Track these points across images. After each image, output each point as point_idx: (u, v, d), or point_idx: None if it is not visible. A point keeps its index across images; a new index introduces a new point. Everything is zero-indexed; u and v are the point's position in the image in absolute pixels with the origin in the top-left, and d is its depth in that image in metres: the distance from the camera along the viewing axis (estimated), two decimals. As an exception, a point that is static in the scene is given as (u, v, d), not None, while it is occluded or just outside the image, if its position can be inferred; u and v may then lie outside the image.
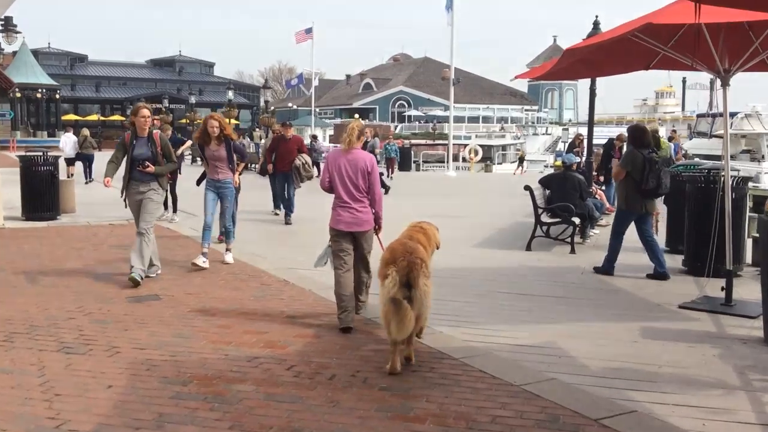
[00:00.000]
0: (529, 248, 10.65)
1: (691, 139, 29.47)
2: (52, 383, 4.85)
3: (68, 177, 21.82)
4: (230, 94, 35.28)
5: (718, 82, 7.36)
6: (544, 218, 10.82)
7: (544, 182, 11.47)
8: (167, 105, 48.73)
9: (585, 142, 21.06)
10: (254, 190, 16.92)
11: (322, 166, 11.79)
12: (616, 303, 7.54)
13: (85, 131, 25.08)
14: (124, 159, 8.28)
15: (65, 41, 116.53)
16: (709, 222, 7.86)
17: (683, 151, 25.04)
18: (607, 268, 8.74)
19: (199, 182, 11.01)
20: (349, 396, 4.67)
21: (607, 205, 13.67)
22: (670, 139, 33.72)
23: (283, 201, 14.30)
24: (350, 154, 6.28)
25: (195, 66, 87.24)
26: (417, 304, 5.04)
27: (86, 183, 22.54)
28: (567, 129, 45.45)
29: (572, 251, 10.46)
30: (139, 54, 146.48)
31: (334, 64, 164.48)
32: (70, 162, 23.62)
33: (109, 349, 5.63)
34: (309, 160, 14.21)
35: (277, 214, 14.45)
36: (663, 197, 9.37)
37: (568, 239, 10.66)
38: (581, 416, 4.37)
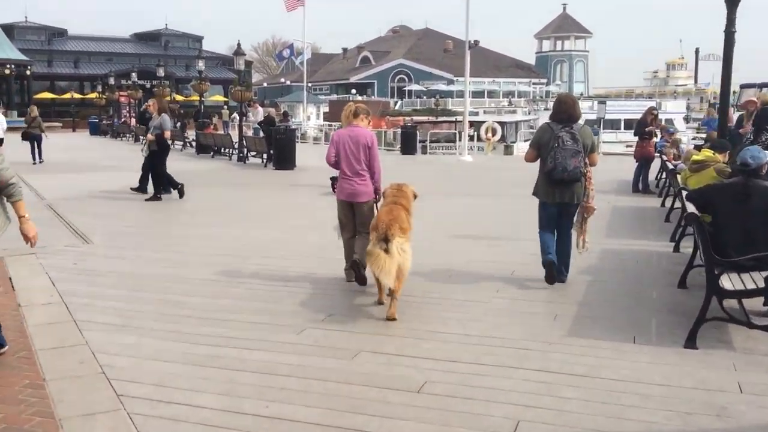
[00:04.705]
0: (692, 343, 5.17)
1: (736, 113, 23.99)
2: None
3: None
4: (200, 64, 29.39)
5: None
6: (728, 280, 5.25)
7: (700, 198, 5.99)
8: (135, 80, 42.90)
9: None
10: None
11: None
12: None
13: (34, 110, 23.20)
14: None
15: (44, 15, 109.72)
16: None
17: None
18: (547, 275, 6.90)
19: None
20: None
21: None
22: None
23: None
24: (352, 131, 6.88)
25: (182, 40, 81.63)
26: (393, 253, 5.70)
27: (35, 164, 21.54)
28: (603, 102, 38.88)
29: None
30: (125, 28, 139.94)
31: (331, 37, 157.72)
32: None
33: None
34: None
35: None
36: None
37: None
38: None
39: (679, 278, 6.93)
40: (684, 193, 6.98)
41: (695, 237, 6.70)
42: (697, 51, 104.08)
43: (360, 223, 6.87)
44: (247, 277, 7.41)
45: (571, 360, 4.97)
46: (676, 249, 8.65)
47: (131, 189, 14.13)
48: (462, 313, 6.12)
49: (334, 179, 14.03)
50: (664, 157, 13.75)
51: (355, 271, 6.65)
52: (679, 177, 9.08)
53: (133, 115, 39.80)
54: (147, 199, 13.38)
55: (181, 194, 13.60)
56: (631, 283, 7.17)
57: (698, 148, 12.59)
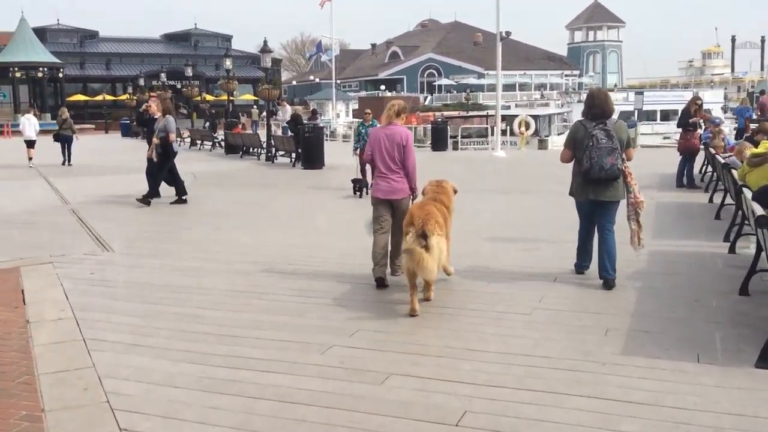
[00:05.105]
0: (765, 362, 4.58)
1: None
2: None
3: (29, 159, 22.15)
4: (228, 63, 29.20)
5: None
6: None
7: (766, 198, 5.39)
8: (164, 80, 42.77)
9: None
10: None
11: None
12: None
13: (65, 112, 23.48)
14: None
15: (76, 17, 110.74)
16: None
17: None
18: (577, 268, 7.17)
19: None
20: None
21: None
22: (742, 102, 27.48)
23: None
24: (389, 129, 6.97)
25: (212, 39, 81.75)
26: (433, 249, 5.77)
27: (63, 165, 22.04)
28: (641, 93, 37.76)
29: None
30: (155, 29, 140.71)
31: (359, 34, 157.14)
32: (29, 144, 22.48)
33: None
34: None
35: None
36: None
37: None
38: None
39: (740, 284, 6.31)
40: (746, 191, 6.35)
41: (759, 240, 6.09)
42: (733, 39, 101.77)
43: (399, 221, 6.81)
44: (271, 287, 6.96)
45: (628, 384, 4.42)
46: (732, 250, 7.99)
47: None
48: (502, 327, 5.59)
49: (355, 181, 13.57)
50: (712, 150, 13.02)
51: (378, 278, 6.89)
52: (735, 172, 8.41)
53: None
54: (172, 203, 13.03)
55: (148, 203, 12.71)
56: (686, 289, 6.57)
57: (749, 139, 11.86)
